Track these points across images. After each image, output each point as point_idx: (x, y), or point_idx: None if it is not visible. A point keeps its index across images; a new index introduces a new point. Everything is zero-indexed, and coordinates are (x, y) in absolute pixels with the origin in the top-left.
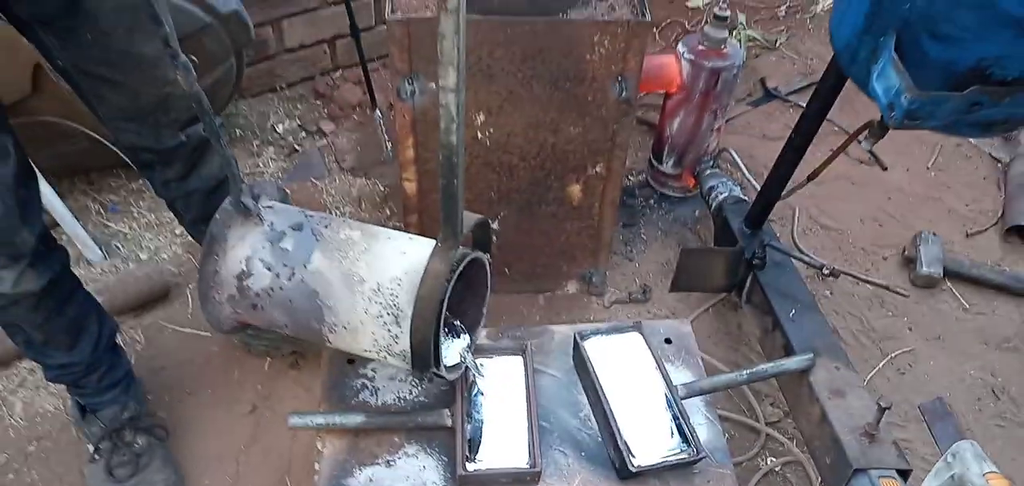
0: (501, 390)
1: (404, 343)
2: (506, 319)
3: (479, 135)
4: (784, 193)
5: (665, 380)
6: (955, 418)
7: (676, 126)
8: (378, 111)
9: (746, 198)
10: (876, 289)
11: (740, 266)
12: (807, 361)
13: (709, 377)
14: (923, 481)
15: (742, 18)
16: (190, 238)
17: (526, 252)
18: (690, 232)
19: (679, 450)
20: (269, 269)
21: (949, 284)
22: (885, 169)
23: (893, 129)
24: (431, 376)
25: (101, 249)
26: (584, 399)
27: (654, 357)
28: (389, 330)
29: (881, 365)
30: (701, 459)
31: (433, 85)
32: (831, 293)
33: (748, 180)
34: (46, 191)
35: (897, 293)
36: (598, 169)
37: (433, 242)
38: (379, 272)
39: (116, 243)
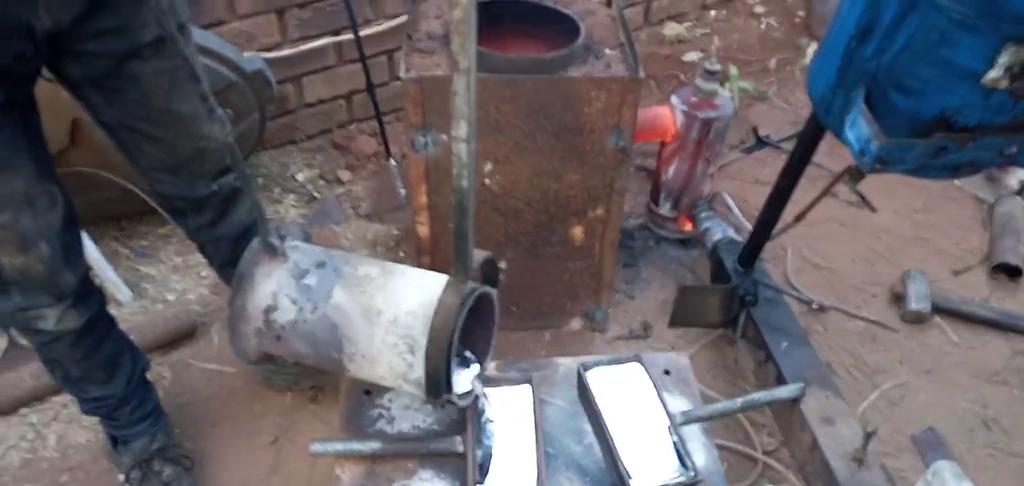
0: (509, 419)
1: (419, 371)
2: (514, 354)
3: (487, 182)
4: (773, 234)
5: (664, 408)
6: (947, 448)
7: (672, 172)
8: (392, 160)
9: (739, 239)
10: (868, 325)
11: (734, 303)
12: (798, 390)
13: (705, 405)
14: None
15: (735, 70)
16: (216, 280)
17: (532, 291)
18: (688, 272)
19: (677, 474)
20: (294, 303)
21: (938, 320)
22: (875, 211)
23: (867, 173)
24: (443, 402)
25: (131, 291)
26: (588, 427)
27: (654, 387)
28: (405, 359)
29: (874, 397)
30: (698, 483)
31: (444, 137)
32: (825, 329)
33: (741, 222)
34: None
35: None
36: (598, 212)
37: (445, 277)
38: (396, 305)
39: (145, 285)
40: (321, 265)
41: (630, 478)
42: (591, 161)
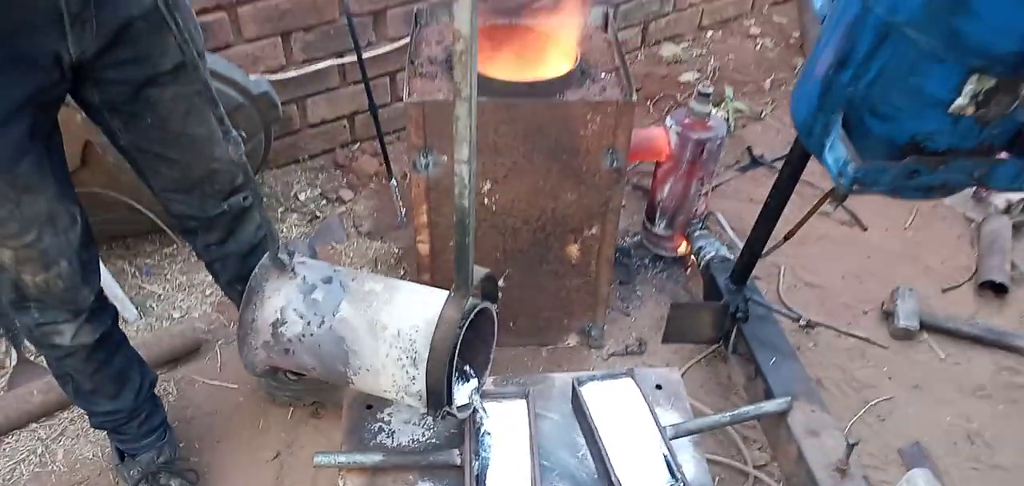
0: (506, 432)
1: (420, 384)
2: (511, 370)
3: (487, 201)
4: (764, 251)
5: (655, 421)
6: (932, 461)
7: (666, 192)
8: (393, 180)
9: (732, 257)
10: (858, 341)
11: (725, 319)
12: (785, 404)
13: (696, 418)
14: None
15: (730, 91)
16: (220, 298)
17: (529, 307)
18: (682, 289)
19: (667, 484)
20: (301, 317)
21: (926, 336)
22: (865, 230)
23: (845, 194)
24: (444, 414)
25: (137, 309)
26: (582, 440)
27: (645, 401)
28: (407, 372)
29: (862, 412)
30: None
31: (445, 158)
32: (816, 345)
33: (734, 240)
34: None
35: (875, 345)
36: (594, 231)
37: (447, 293)
38: (399, 320)
39: (151, 303)
40: (328, 280)
41: None
42: (587, 181)
